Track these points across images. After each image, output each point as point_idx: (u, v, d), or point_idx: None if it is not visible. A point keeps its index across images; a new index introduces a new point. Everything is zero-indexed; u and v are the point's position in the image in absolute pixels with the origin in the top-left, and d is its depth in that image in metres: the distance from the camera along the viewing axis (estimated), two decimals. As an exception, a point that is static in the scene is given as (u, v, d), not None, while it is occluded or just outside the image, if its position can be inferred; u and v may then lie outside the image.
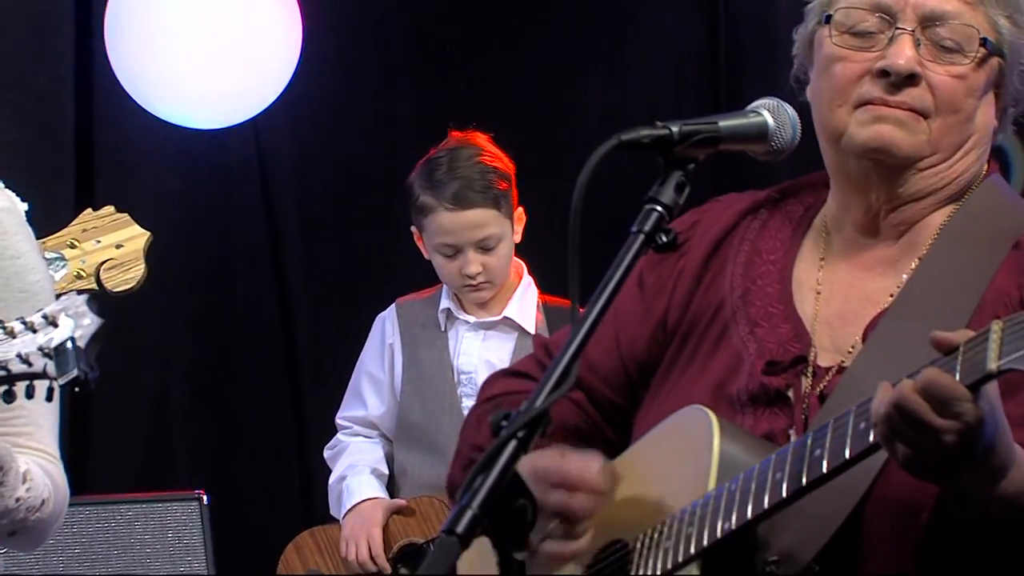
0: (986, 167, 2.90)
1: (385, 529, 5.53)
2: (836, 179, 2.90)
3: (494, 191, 5.41)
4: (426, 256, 5.52)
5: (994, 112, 2.84)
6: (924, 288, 2.80)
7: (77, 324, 2.88)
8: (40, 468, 3.25)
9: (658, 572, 2.71)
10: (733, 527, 2.63)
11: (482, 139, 5.54)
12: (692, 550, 2.67)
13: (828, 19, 2.84)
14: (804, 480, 2.57)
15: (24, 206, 3.35)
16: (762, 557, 2.67)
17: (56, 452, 3.30)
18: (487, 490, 2.40)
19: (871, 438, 2.49)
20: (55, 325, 2.88)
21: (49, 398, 2.94)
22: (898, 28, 2.78)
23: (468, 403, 5.37)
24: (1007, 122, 2.88)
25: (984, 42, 2.77)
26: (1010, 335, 2.36)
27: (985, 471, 2.48)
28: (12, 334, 2.90)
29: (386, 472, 5.62)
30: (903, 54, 2.76)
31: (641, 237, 2.60)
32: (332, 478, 5.68)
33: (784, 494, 2.59)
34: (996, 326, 2.38)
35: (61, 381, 2.87)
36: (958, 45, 2.76)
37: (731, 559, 2.67)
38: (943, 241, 2.83)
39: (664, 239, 2.60)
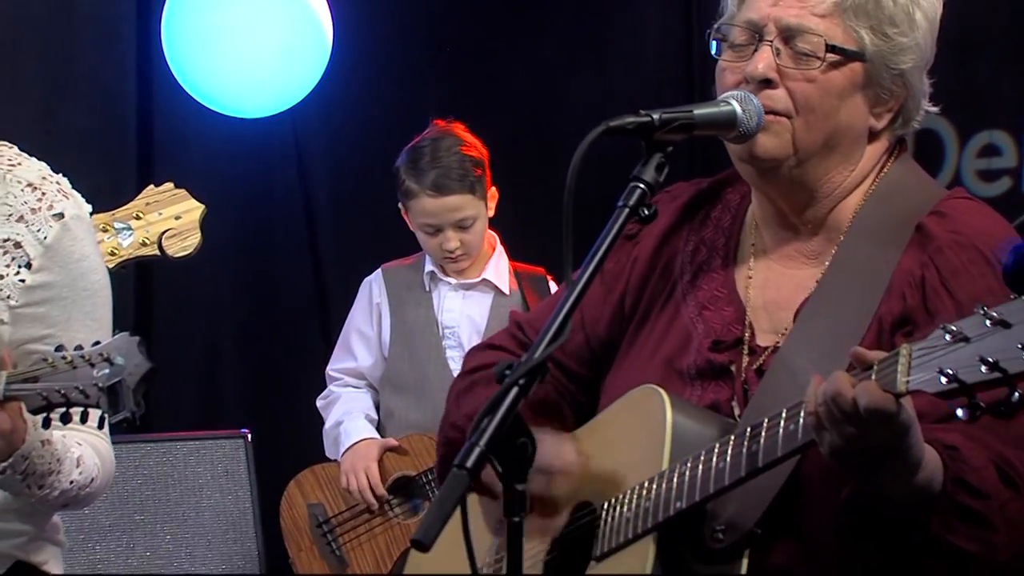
0: (895, 153, 2.89)
1: (380, 464, 5.52)
2: (741, 173, 2.90)
3: (470, 178, 5.45)
4: (412, 229, 5.55)
5: (867, 109, 2.81)
6: (841, 274, 2.79)
7: (129, 365, 2.90)
8: (91, 448, 3.26)
9: (622, 541, 2.72)
10: (683, 506, 2.65)
11: (460, 129, 5.56)
12: (650, 523, 2.69)
13: (719, 37, 2.85)
14: (743, 472, 2.59)
15: (88, 207, 3.34)
16: (710, 527, 2.68)
17: (105, 431, 3.28)
18: (492, 430, 2.42)
19: (799, 439, 2.50)
20: (111, 363, 2.90)
21: (100, 426, 2.97)
22: (761, 41, 2.78)
23: (452, 353, 5.48)
24: (908, 115, 2.85)
25: (834, 49, 2.76)
26: (916, 361, 2.35)
27: (902, 468, 2.47)
28: (73, 365, 2.92)
29: (376, 417, 5.64)
30: (759, 61, 2.77)
31: (626, 211, 2.62)
32: (328, 424, 5.68)
33: (726, 482, 2.60)
34: (904, 351, 2.37)
35: (112, 418, 2.93)
36: (812, 53, 2.75)
37: (683, 530, 2.68)
38: (855, 230, 2.82)
39: (647, 212, 2.62)
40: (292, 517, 5.70)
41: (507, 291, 5.54)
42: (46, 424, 2.98)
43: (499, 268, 5.61)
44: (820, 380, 2.44)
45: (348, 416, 5.61)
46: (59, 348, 2.93)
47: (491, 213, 5.55)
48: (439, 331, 5.54)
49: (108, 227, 3.74)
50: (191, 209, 3.94)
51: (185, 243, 3.90)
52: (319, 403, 5.76)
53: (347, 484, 5.52)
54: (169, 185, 3.97)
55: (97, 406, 2.89)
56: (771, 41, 2.78)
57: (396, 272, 5.68)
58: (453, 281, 5.59)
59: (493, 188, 5.53)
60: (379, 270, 5.71)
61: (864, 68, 2.79)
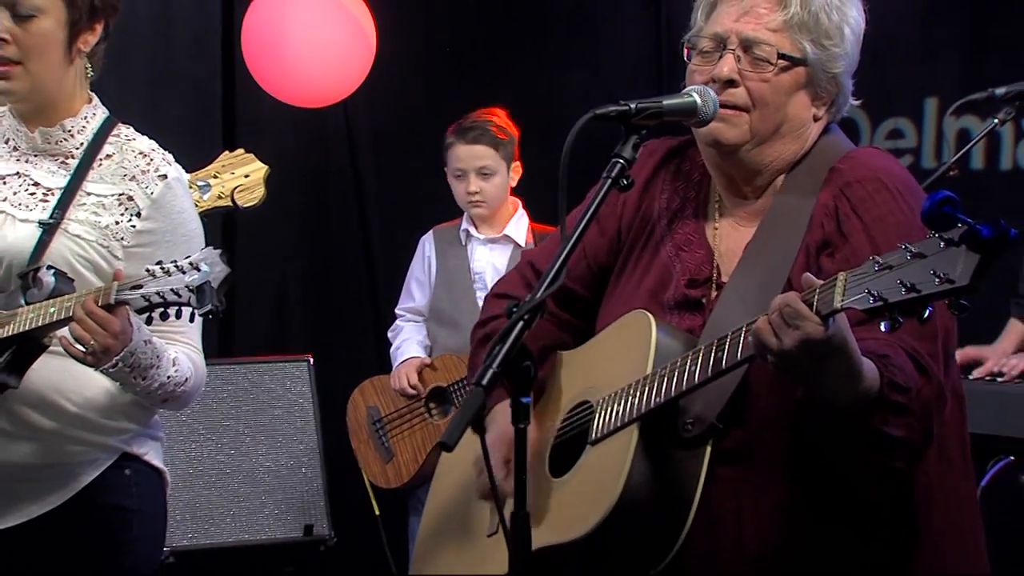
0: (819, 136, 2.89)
1: (420, 376, 5.55)
2: (702, 153, 2.90)
3: (496, 137, 5.50)
4: (449, 183, 5.59)
5: (809, 103, 2.81)
6: (775, 218, 2.80)
7: (212, 271, 2.91)
8: (186, 356, 3.26)
9: (611, 429, 2.73)
10: (661, 400, 2.66)
11: (499, 111, 5.61)
12: (634, 414, 2.70)
13: (690, 46, 2.86)
14: (710, 371, 2.60)
15: (187, 175, 3.36)
16: (681, 420, 2.69)
17: (199, 345, 3.31)
18: (503, 355, 2.44)
19: (752, 349, 2.50)
20: (198, 270, 2.91)
21: (191, 319, 2.97)
22: (726, 49, 2.78)
23: (480, 294, 5.42)
24: (839, 107, 2.86)
25: (783, 56, 2.76)
26: (851, 285, 2.35)
27: (837, 373, 2.46)
28: (169, 273, 2.93)
29: (428, 343, 5.64)
30: (724, 66, 2.77)
31: (609, 181, 2.64)
32: (393, 348, 5.70)
33: (696, 380, 2.62)
34: (841, 277, 2.37)
35: (200, 312, 2.91)
36: (766, 59, 2.75)
37: (660, 421, 2.69)
38: (787, 184, 2.83)
39: (625, 182, 2.64)
40: (355, 417, 5.71)
41: (523, 244, 5.54)
42: (148, 322, 2.98)
43: (519, 226, 5.60)
44: (765, 318, 2.45)
45: (405, 342, 5.64)
46: (159, 263, 2.94)
47: (513, 183, 5.58)
48: (471, 276, 5.55)
49: (192, 185, 3.75)
50: (257, 169, 3.94)
51: (252, 195, 3.91)
52: (389, 334, 5.77)
53: (393, 383, 5.58)
54: (240, 150, 3.98)
55: (188, 304, 2.90)
56: (733, 49, 2.78)
57: (442, 231, 5.70)
58: (482, 237, 5.59)
59: (517, 163, 5.55)
60: (431, 231, 5.73)
61: (806, 71, 2.79)
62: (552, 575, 2.71)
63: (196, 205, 3.64)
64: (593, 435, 2.78)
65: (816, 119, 2.84)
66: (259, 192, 3.92)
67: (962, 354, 4.72)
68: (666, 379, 2.66)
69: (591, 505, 2.66)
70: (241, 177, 3.89)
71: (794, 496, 2.68)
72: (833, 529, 2.68)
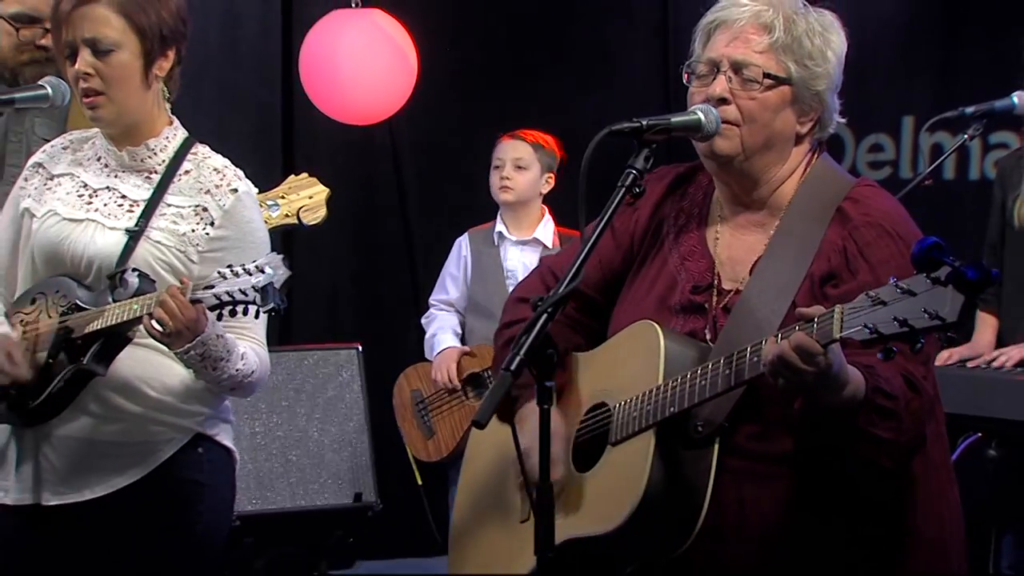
0: (816, 151, 2.87)
1: (458, 364, 5.53)
2: (706, 167, 2.90)
3: (538, 143, 5.53)
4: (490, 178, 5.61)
5: (795, 120, 2.80)
6: (783, 241, 2.78)
7: (276, 274, 2.91)
8: (253, 351, 3.25)
9: (631, 432, 2.72)
10: (675, 411, 2.66)
11: (550, 137, 5.62)
12: (651, 421, 2.69)
13: (689, 71, 2.85)
14: (719, 388, 2.60)
15: (255, 189, 3.35)
16: (693, 423, 2.68)
17: (263, 340, 3.30)
18: (528, 344, 2.45)
19: (759, 369, 2.51)
20: (263, 272, 2.91)
21: (256, 316, 2.97)
22: (719, 72, 2.78)
23: (511, 287, 5.38)
24: (824, 124, 2.84)
25: (769, 76, 2.75)
26: (848, 318, 2.36)
27: (832, 388, 2.48)
28: (237, 275, 2.93)
29: (460, 332, 5.61)
30: (717, 86, 2.77)
31: (623, 190, 2.63)
32: (428, 335, 5.67)
33: (707, 395, 2.61)
34: (838, 310, 2.38)
35: (264, 310, 2.92)
36: (754, 79, 2.75)
37: (674, 427, 2.68)
38: (792, 210, 2.80)
39: (638, 190, 2.64)
40: (400, 398, 5.70)
41: (550, 246, 5.51)
42: (219, 318, 2.99)
43: (546, 230, 5.58)
44: (773, 341, 2.47)
45: (440, 331, 5.60)
46: (228, 266, 2.95)
47: (544, 191, 5.57)
48: (503, 273, 5.52)
49: (263, 203, 3.74)
50: (320, 191, 3.92)
51: (316, 215, 3.90)
52: (423, 320, 5.75)
53: (435, 376, 5.54)
54: (304, 174, 3.96)
55: (254, 303, 2.90)
56: (725, 71, 2.77)
57: (477, 233, 5.67)
58: (514, 238, 5.56)
59: (551, 175, 5.55)
60: (466, 233, 5.70)
61: (791, 90, 2.77)
62: (579, 561, 2.72)
63: (266, 222, 3.65)
64: (614, 437, 2.77)
65: (801, 135, 2.82)
66: (322, 212, 3.91)
67: (958, 355, 4.74)
68: (679, 391, 2.65)
69: (618, 503, 2.66)
70: (306, 198, 3.88)
71: (792, 490, 2.67)
72: (826, 518, 2.68)
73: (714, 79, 2.78)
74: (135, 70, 3.22)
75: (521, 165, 5.50)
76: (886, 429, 2.53)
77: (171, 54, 3.27)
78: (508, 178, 5.50)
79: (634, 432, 2.71)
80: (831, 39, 2.81)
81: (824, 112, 2.82)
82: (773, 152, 2.80)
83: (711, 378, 2.60)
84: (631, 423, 2.72)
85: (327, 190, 3.93)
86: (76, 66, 3.19)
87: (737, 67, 2.76)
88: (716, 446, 2.66)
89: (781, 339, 2.44)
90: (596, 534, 2.68)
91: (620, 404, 2.76)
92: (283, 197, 3.85)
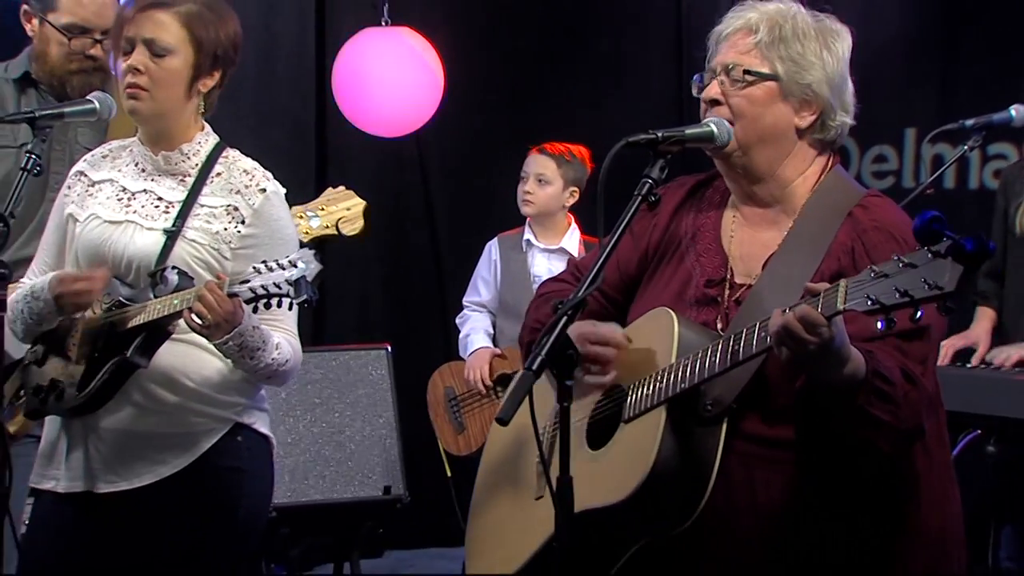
0: (831, 161, 2.87)
1: (490, 365, 5.53)
2: (719, 168, 2.91)
3: (563, 158, 5.48)
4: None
5: (792, 114, 2.80)
6: (796, 240, 2.78)
7: (307, 268, 2.93)
8: (286, 341, 3.27)
9: (643, 409, 2.72)
10: (686, 386, 2.65)
11: (583, 148, 5.57)
12: (663, 397, 2.69)
13: (700, 84, 2.88)
14: (728, 362, 2.60)
15: (283, 189, 3.35)
16: (702, 402, 2.68)
17: (295, 331, 3.32)
18: (550, 344, 2.46)
19: (767, 343, 2.51)
20: (295, 266, 2.93)
21: (290, 308, 3.00)
22: (714, 76, 2.81)
23: None
24: (826, 120, 2.82)
25: (750, 72, 2.77)
26: (851, 291, 2.36)
27: (834, 363, 2.49)
28: (271, 270, 2.95)
29: (492, 332, 5.61)
30: (710, 89, 2.80)
31: (639, 198, 2.65)
32: (461, 335, 5.67)
33: (717, 369, 2.61)
34: (842, 283, 2.39)
35: (296, 301, 2.93)
36: (739, 78, 2.78)
37: (685, 403, 2.68)
38: (807, 212, 2.80)
39: (653, 199, 2.65)
40: (434, 395, 5.70)
41: (576, 254, 5.50)
42: (255, 311, 3.01)
43: (572, 239, 5.56)
44: (779, 313, 2.46)
45: (473, 331, 5.60)
46: (263, 261, 2.97)
47: (567, 204, 5.54)
48: (531, 279, 5.49)
49: (303, 215, 3.77)
50: (357, 204, 3.92)
51: (353, 226, 3.89)
52: (457, 320, 5.74)
53: (467, 376, 5.55)
54: (342, 188, 3.96)
55: (288, 295, 2.92)
56: (718, 75, 2.81)
57: (506, 239, 5.66)
58: (541, 246, 5.55)
59: (576, 189, 5.51)
60: (496, 238, 5.69)
61: (778, 85, 2.78)
62: (592, 533, 2.71)
63: (307, 233, 3.67)
64: (626, 415, 2.77)
65: (801, 128, 2.81)
66: (359, 223, 3.90)
67: (950, 346, 4.75)
68: (689, 367, 2.65)
69: (628, 474, 2.66)
70: (344, 210, 3.88)
71: (800, 474, 2.67)
72: (832, 509, 2.68)
73: (708, 83, 2.82)
74: (182, 78, 3.25)
75: (543, 179, 5.48)
76: (884, 411, 2.53)
77: (217, 74, 3.30)
78: (530, 192, 5.49)
79: (646, 409, 2.71)
80: (828, 40, 2.82)
81: (825, 107, 2.81)
82: (772, 146, 2.81)
83: (720, 354, 2.60)
84: (643, 400, 2.72)
85: (364, 203, 3.93)
86: (130, 60, 3.22)
87: (726, 69, 2.79)
88: (724, 426, 2.66)
89: (787, 311, 2.45)
90: (607, 504, 2.68)
91: (634, 384, 2.77)
92: (322, 209, 3.85)
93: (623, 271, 2.99)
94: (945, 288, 2.24)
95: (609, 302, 3.00)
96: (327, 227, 3.83)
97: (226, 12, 3.33)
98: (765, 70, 2.77)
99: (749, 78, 2.77)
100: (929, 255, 2.27)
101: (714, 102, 2.79)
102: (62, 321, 3.30)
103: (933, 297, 2.26)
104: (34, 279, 3.39)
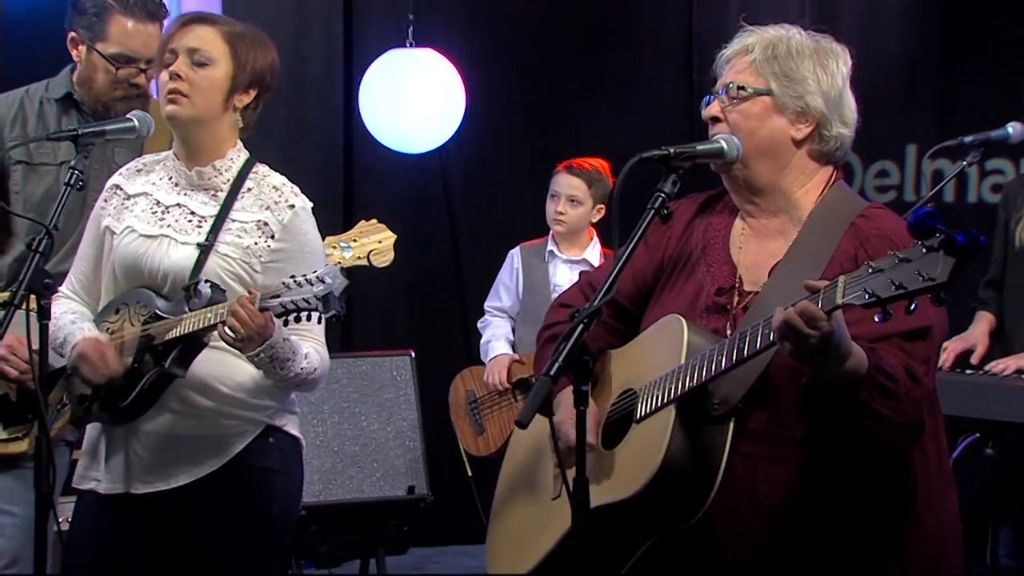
0: (835, 175, 2.87)
1: (508, 370, 5.51)
2: (724, 183, 2.92)
3: (592, 177, 5.41)
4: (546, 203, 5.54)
5: (787, 126, 2.80)
6: (801, 249, 2.79)
7: (335, 283, 2.94)
8: (315, 351, 3.28)
9: (653, 408, 2.72)
10: (694, 384, 2.65)
11: (604, 162, 5.52)
12: (671, 396, 2.69)
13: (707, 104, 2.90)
14: (734, 359, 2.60)
15: (311, 204, 3.35)
16: (710, 401, 2.68)
17: (323, 341, 3.32)
18: (566, 352, 2.47)
19: (771, 339, 2.50)
20: (323, 282, 2.94)
21: (319, 321, 3.01)
22: (716, 96, 2.84)
23: None
24: (823, 131, 2.83)
25: (742, 88, 2.79)
26: (850, 286, 2.37)
27: (836, 357, 2.49)
28: (300, 285, 2.96)
29: (512, 338, 5.59)
30: (710, 108, 2.83)
31: (652, 211, 2.66)
32: (482, 340, 5.65)
33: (723, 367, 2.61)
34: (841, 279, 2.39)
35: (325, 315, 2.94)
36: (734, 95, 2.80)
37: (693, 403, 2.68)
38: (811, 222, 2.81)
39: (666, 212, 2.66)
40: (455, 398, 5.69)
41: (597, 265, 5.47)
42: (285, 324, 3.02)
43: (594, 252, 5.52)
44: (781, 309, 2.47)
45: (495, 338, 5.58)
46: (292, 276, 2.98)
47: (594, 220, 5.50)
48: (551, 288, 5.46)
49: (336, 246, 3.78)
50: (388, 236, 3.91)
51: (385, 258, 3.89)
52: (479, 324, 5.71)
53: (487, 380, 5.53)
54: (375, 220, 3.95)
55: (316, 310, 2.93)
56: (718, 94, 2.83)
57: (528, 249, 5.62)
58: (564, 257, 5.52)
59: (602, 205, 5.47)
60: (518, 247, 5.65)
61: (772, 99, 2.80)
62: (605, 530, 2.70)
63: (339, 263, 3.67)
64: (638, 415, 2.77)
65: (798, 140, 2.81)
66: (390, 256, 3.89)
67: (952, 350, 4.74)
68: (697, 367, 2.65)
69: (639, 470, 2.66)
70: (375, 242, 3.87)
71: (802, 475, 2.67)
72: (834, 503, 2.67)
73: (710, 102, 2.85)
74: (220, 89, 3.26)
75: (575, 200, 5.42)
76: (885, 406, 2.53)
77: (252, 93, 3.31)
78: (562, 212, 5.43)
79: (657, 408, 2.71)
80: (822, 58, 2.83)
81: (820, 120, 2.81)
82: (771, 158, 2.81)
83: (727, 352, 2.61)
84: (654, 400, 2.73)
85: (395, 235, 3.93)
86: (172, 67, 3.23)
87: (725, 89, 2.82)
88: (731, 424, 2.66)
89: (789, 308, 2.46)
90: (620, 499, 2.68)
91: (645, 386, 2.77)
92: (355, 240, 3.84)
93: (639, 281, 2.99)
94: (938, 279, 2.25)
95: (620, 315, 3.01)
96: (359, 258, 3.83)
97: (266, 42, 3.35)
98: (759, 86, 2.79)
99: (744, 93, 2.79)
100: (923, 249, 2.28)
101: (715, 119, 2.82)
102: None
103: (927, 288, 2.27)
104: (70, 290, 3.42)
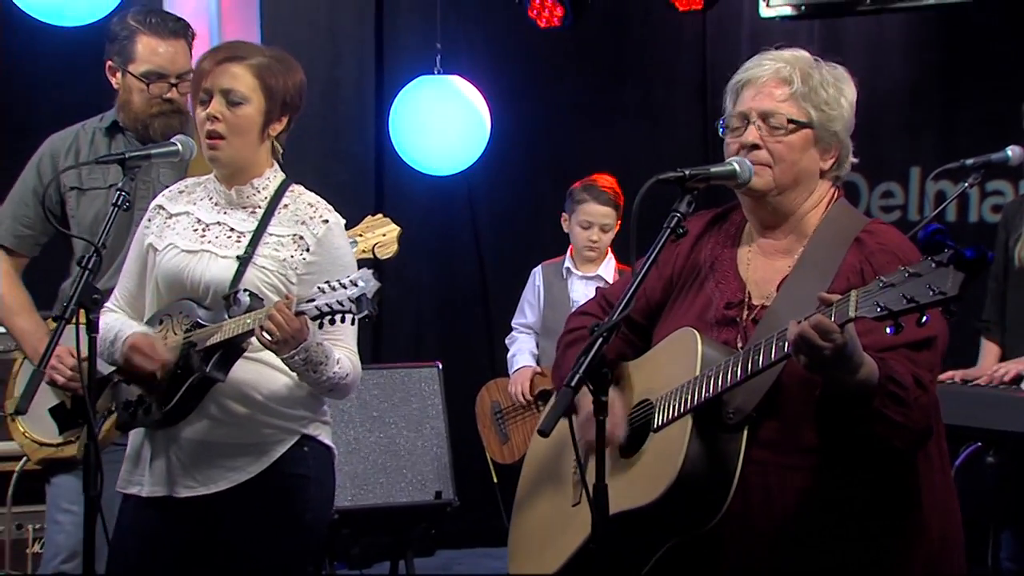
0: (836, 192, 2.87)
1: (531, 382, 5.50)
2: (741, 203, 2.90)
3: (617, 202, 5.38)
4: (566, 230, 5.47)
5: (819, 158, 2.80)
6: (808, 263, 2.78)
7: (367, 286, 2.94)
8: (347, 357, 3.28)
9: (670, 417, 2.71)
10: (710, 395, 2.65)
11: (612, 178, 5.48)
12: (688, 407, 2.68)
13: (724, 125, 2.86)
14: (749, 371, 2.59)
15: (343, 220, 3.37)
16: (725, 410, 2.67)
17: (355, 348, 3.32)
18: (586, 364, 2.47)
19: (785, 350, 2.50)
20: (356, 285, 2.95)
21: (352, 323, 3.01)
22: (749, 123, 2.79)
23: None
24: (841, 161, 2.84)
25: (792, 121, 2.77)
26: (862, 300, 2.37)
27: (849, 368, 2.48)
28: (334, 289, 2.97)
29: (536, 352, 5.58)
30: (750, 135, 2.78)
31: (668, 230, 2.65)
32: (509, 354, 5.63)
33: (738, 378, 2.60)
34: (854, 293, 2.39)
35: (359, 316, 2.95)
36: (780, 125, 2.76)
37: (709, 412, 2.67)
38: (817, 238, 2.80)
39: (681, 231, 2.65)
40: (481, 407, 5.68)
41: (611, 281, 5.46)
42: (320, 327, 3.03)
43: (608, 267, 5.49)
44: (795, 323, 2.46)
45: (519, 352, 5.55)
46: (327, 281, 2.99)
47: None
48: (570, 303, 5.41)
49: None
50: (392, 229, 3.95)
51: (388, 250, 3.92)
52: (506, 340, 5.68)
53: (511, 391, 5.52)
54: (380, 215, 3.99)
55: (350, 311, 2.94)
56: (755, 121, 2.78)
57: (548, 267, 5.59)
58: (580, 273, 5.48)
59: (618, 223, 5.46)
60: (540, 266, 5.62)
61: (812, 132, 2.79)
62: (624, 536, 2.70)
63: None
64: (656, 424, 2.75)
65: (824, 171, 2.82)
66: (393, 248, 3.92)
67: (961, 378, 4.71)
68: (712, 378, 2.64)
69: (658, 478, 2.65)
70: (380, 236, 3.90)
71: (813, 482, 2.66)
72: (843, 508, 2.66)
73: (745, 129, 2.79)
74: (256, 124, 3.28)
75: (607, 227, 5.39)
76: (897, 413, 2.53)
77: (285, 120, 3.33)
78: (596, 241, 5.39)
79: (673, 418, 2.70)
80: (843, 87, 2.82)
81: (842, 150, 2.82)
82: (802, 187, 2.81)
83: (741, 364, 2.60)
84: (671, 411, 2.71)
85: (398, 228, 3.95)
86: (208, 110, 3.25)
87: (765, 116, 2.78)
88: (745, 432, 2.65)
89: (803, 321, 2.45)
90: (639, 506, 2.67)
91: (662, 397, 2.76)
92: (361, 235, 3.88)
93: (649, 297, 2.98)
94: (948, 293, 2.25)
95: (634, 328, 3.00)
96: (364, 251, 3.85)
97: (292, 63, 3.36)
98: (803, 119, 2.77)
99: (791, 126, 2.77)
100: (932, 264, 2.28)
101: (754, 147, 2.77)
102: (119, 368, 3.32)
103: (938, 302, 2.27)
104: (116, 304, 3.43)
